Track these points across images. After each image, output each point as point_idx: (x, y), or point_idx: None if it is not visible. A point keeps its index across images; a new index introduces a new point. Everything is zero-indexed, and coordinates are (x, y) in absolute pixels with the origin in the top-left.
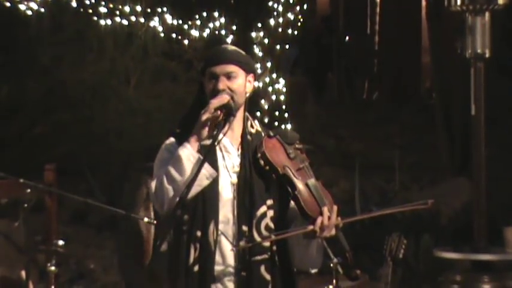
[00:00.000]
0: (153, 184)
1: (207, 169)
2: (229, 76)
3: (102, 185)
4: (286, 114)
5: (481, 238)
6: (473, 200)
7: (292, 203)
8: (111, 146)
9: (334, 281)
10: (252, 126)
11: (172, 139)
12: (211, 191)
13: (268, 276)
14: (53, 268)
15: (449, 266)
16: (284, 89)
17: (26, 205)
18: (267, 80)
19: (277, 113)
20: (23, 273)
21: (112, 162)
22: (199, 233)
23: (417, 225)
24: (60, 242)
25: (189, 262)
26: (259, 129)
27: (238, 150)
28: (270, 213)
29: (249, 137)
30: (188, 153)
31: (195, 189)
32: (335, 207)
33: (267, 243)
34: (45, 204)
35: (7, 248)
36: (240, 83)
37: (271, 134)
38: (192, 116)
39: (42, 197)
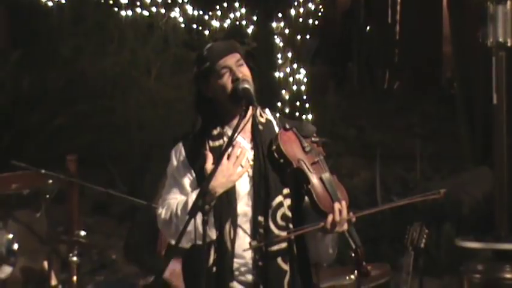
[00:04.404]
0: (161, 211)
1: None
2: (239, 64)
3: (123, 175)
4: (307, 105)
5: (503, 227)
6: (495, 189)
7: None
8: (132, 137)
9: (356, 271)
10: (261, 115)
11: (182, 149)
12: (228, 191)
13: (285, 266)
14: (74, 258)
15: (471, 255)
16: (305, 79)
17: (47, 196)
18: (288, 70)
19: (298, 103)
20: (45, 263)
21: (133, 153)
22: (216, 234)
23: (439, 215)
24: (82, 233)
25: (208, 263)
26: (269, 117)
27: (250, 142)
28: (287, 202)
29: (260, 126)
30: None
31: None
32: (343, 203)
33: (284, 233)
34: (66, 195)
35: (29, 238)
36: (247, 69)
37: (287, 126)
38: (204, 119)
39: (63, 187)
